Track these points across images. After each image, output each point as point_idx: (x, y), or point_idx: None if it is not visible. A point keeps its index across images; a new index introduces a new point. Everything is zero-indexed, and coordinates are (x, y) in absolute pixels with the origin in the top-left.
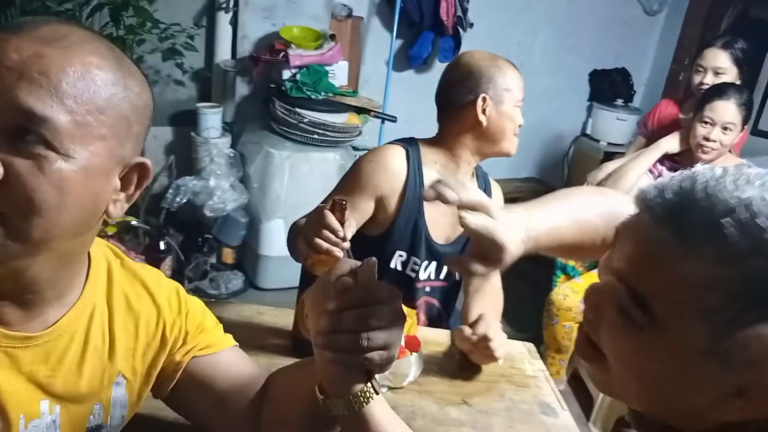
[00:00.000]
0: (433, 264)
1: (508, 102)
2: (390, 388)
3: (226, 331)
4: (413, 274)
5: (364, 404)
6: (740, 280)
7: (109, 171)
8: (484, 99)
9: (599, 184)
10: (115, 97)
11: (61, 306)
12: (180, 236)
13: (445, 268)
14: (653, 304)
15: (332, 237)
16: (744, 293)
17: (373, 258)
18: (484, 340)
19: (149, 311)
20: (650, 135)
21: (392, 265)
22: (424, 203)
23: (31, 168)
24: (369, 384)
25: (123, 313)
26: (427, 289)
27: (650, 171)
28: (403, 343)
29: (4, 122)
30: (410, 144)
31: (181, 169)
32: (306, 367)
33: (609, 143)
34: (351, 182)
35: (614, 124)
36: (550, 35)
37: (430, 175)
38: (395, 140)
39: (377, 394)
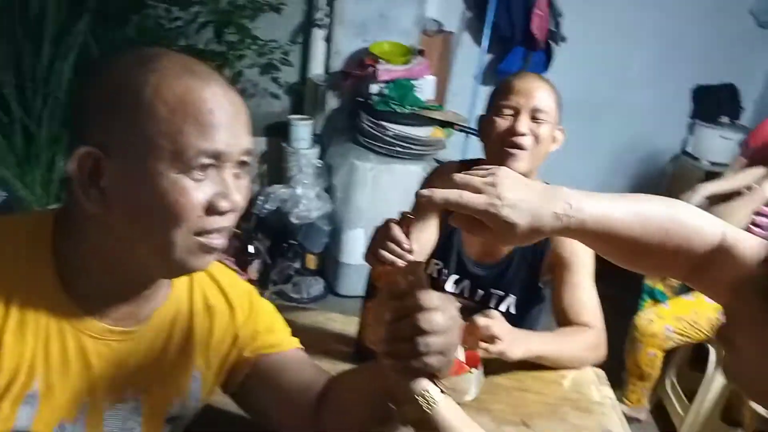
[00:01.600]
0: (467, 282)
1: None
2: None
3: (295, 335)
4: (443, 284)
5: (432, 406)
6: None
7: None
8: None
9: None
10: None
11: (155, 303)
12: (267, 241)
13: (479, 293)
14: None
15: (397, 249)
16: None
17: (418, 260)
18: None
19: (224, 310)
20: (753, 155)
21: (428, 271)
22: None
23: (245, 186)
24: (434, 386)
25: (201, 310)
26: (459, 305)
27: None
28: (462, 358)
29: (238, 159)
30: (471, 161)
31: (272, 177)
32: (367, 371)
33: (711, 162)
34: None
35: (717, 143)
36: (650, 49)
37: None
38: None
39: (443, 393)
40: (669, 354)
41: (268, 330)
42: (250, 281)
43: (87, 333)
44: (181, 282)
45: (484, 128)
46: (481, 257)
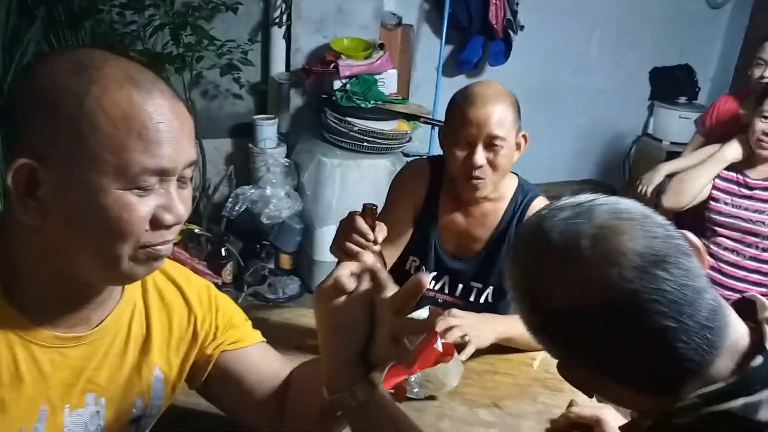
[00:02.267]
0: (446, 278)
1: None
2: (430, 397)
3: (266, 332)
4: None
5: (365, 396)
6: None
7: None
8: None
9: (657, 187)
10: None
11: (108, 307)
12: (240, 243)
13: (460, 287)
14: None
15: (362, 241)
16: None
17: (368, 253)
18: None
19: (181, 307)
20: (709, 133)
21: (407, 267)
22: (439, 212)
23: (186, 196)
24: (370, 376)
25: (158, 309)
26: (440, 300)
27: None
28: (440, 348)
29: (182, 172)
30: (439, 158)
31: (239, 178)
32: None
33: (672, 142)
34: (387, 200)
35: (677, 123)
36: (607, 33)
37: (449, 184)
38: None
39: (377, 385)
40: None
41: (229, 325)
42: (224, 284)
43: (36, 342)
44: (135, 284)
45: (444, 147)
46: (458, 252)
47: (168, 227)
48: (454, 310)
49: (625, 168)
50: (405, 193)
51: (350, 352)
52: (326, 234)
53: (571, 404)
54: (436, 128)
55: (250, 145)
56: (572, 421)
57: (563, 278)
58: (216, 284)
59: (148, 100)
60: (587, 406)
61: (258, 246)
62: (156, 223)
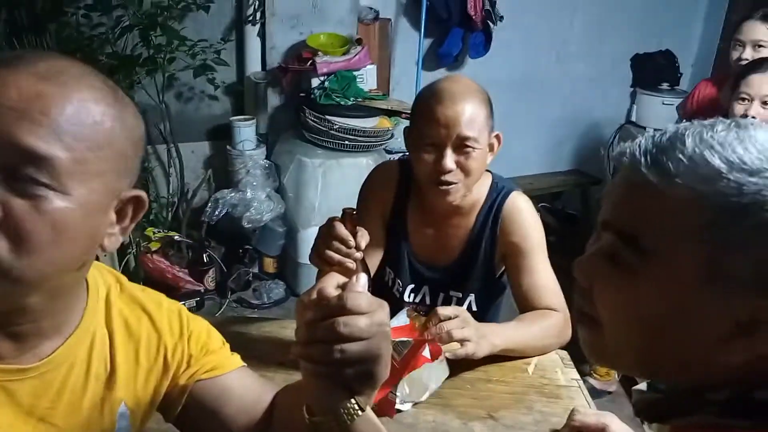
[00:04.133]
0: (425, 288)
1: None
2: (414, 403)
3: (247, 347)
4: (398, 294)
5: (348, 422)
6: (721, 194)
7: (106, 206)
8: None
9: None
10: (113, 132)
11: (59, 336)
12: (221, 248)
13: (441, 296)
14: (643, 238)
15: (343, 248)
16: (728, 208)
17: (363, 274)
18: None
19: (149, 336)
20: (690, 118)
21: (385, 279)
22: (408, 219)
23: (28, 208)
24: (353, 400)
25: (123, 338)
26: (422, 312)
27: None
28: (428, 354)
29: (3, 162)
30: (410, 160)
31: (218, 182)
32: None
33: (656, 129)
34: (359, 205)
35: (660, 109)
36: (587, 21)
37: (417, 190)
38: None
39: (362, 411)
40: None
41: (204, 351)
42: (207, 291)
43: None
44: (95, 311)
45: (410, 150)
46: (433, 260)
47: None
48: (458, 309)
49: (608, 157)
50: (374, 199)
51: None
52: (310, 236)
53: (572, 413)
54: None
55: (228, 147)
56: (577, 429)
57: None
58: (198, 292)
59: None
60: (591, 413)
61: (240, 251)
62: None
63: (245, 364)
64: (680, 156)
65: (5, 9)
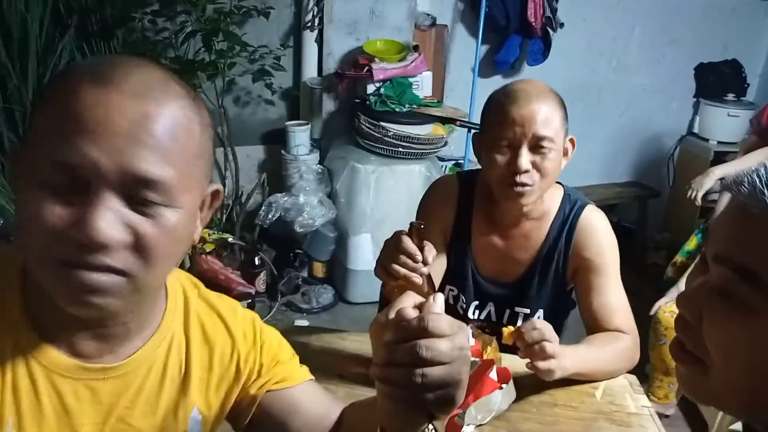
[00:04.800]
0: (491, 305)
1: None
2: (477, 425)
3: (308, 357)
4: (461, 312)
5: None
6: None
7: (199, 206)
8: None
9: (709, 191)
10: (203, 138)
11: (140, 338)
12: (273, 252)
13: (507, 313)
14: (765, 274)
15: (410, 262)
16: None
17: (440, 293)
18: (537, 335)
19: (224, 342)
20: (764, 133)
21: (447, 296)
22: (472, 234)
23: (151, 227)
24: (431, 426)
25: (199, 343)
26: (488, 331)
27: None
28: (494, 376)
29: (122, 186)
30: (469, 174)
31: (272, 186)
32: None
33: (719, 142)
34: (417, 218)
35: (725, 121)
36: (649, 29)
37: (480, 206)
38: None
39: None
40: None
41: (275, 362)
42: (258, 294)
43: (58, 372)
44: (174, 314)
45: (481, 154)
46: (499, 276)
47: (81, 246)
48: (542, 324)
49: (669, 169)
50: (434, 215)
51: None
52: (361, 242)
53: None
54: (472, 132)
55: (282, 151)
56: None
57: None
58: (249, 294)
59: (91, 88)
60: None
61: (291, 255)
62: (63, 236)
63: (313, 378)
64: None
65: (77, 15)
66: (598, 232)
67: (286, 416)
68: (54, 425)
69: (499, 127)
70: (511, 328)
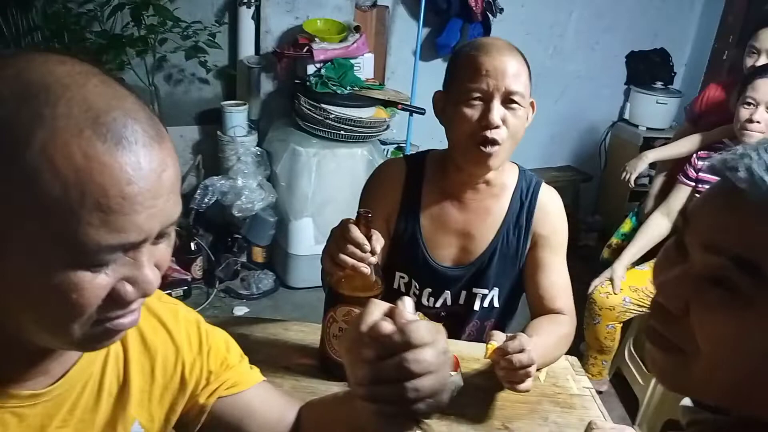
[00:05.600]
0: (447, 293)
1: (452, 95)
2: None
3: (250, 350)
4: (415, 299)
5: None
6: None
7: None
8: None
9: (640, 174)
10: None
11: (70, 356)
12: (210, 236)
13: (463, 295)
14: (764, 266)
15: (357, 252)
16: None
17: (408, 297)
18: (526, 359)
19: (166, 351)
20: (697, 120)
21: (395, 286)
22: (421, 218)
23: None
24: (424, 426)
25: (138, 353)
26: (443, 314)
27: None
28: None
29: (158, 232)
30: (416, 156)
31: (208, 168)
32: (341, 405)
33: (648, 128)
34: (360, 206)
35: (654, 108)
36: (585, 16)
37: (430, 188)
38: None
39: None
40: (625, 323)
41: (224, 367)
42: (194, 280)
43: None
44: None
45: (446, 112)
46: (455, 258)
47: (130, 302)
48: (521, 335)
49: (601, 154)
50: (378, 200)
51: None
52: (302, 226)
53: (590, 426)
54: (414, 116)
55: (218, 132)
56: None
57: None
58: (185, 280)
59: (114, 153)
60: (608, 426)
61: (229, 239)
62: (115, 299)
63: (265, 379)
64: None
65: None
66: (555, 210)
67: (239, 422)
68: None
69: (470, 78)
70: (494, 344)
